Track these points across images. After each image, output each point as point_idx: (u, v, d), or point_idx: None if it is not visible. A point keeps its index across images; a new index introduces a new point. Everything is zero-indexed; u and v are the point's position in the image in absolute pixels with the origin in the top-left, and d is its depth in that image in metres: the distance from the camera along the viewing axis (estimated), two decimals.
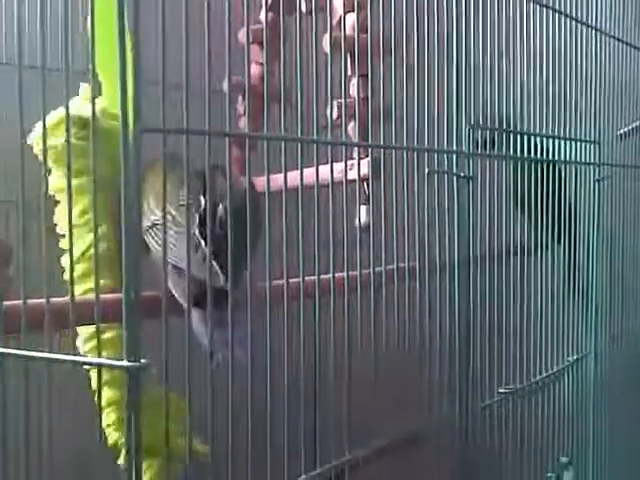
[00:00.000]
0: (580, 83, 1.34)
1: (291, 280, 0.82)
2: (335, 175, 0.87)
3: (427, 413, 1.02)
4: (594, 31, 1.36)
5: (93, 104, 0.64)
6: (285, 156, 0.79)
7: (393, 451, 0.97)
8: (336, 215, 0.87)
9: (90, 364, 0.66)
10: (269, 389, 0.77)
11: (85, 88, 0.90)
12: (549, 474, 1.24)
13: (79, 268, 0.91)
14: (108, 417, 0.98)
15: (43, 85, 0.66)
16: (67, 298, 0.68)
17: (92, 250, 0.90)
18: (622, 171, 1.50)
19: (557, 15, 1.25)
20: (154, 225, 0.86)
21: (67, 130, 0.68)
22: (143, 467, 0.92)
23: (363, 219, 1.07)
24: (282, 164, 0.79)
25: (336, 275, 0.88)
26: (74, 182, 0.85)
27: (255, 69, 1.26)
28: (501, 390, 1.15)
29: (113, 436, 0.98)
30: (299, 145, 0.81)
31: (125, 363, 0.60)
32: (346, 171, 0.88)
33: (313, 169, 0.83)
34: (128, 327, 0.60)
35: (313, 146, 0.83)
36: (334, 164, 0.87)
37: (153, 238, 0.85)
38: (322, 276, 0.85)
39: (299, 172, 0.81)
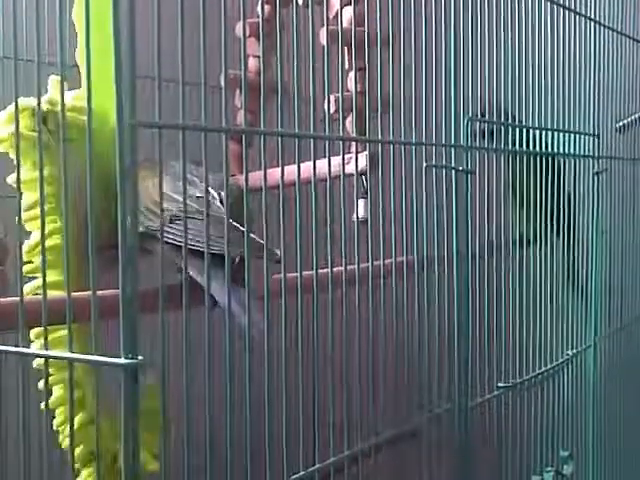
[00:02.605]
0: (578, 75, 1.33)
1: (289, 275, 0.81)
2: (333, 169, 0.86)
3: (426, 408, 1.02)
4: (593, 23, 1.35)
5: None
6: (282, 151, 0.78)
7: (392, 446, 0.97)
8: (334, 209, 0.86)
9: (86, 361, 0.65)
10: (267, 382, 0.77)
11: (54, 81, 0.89)
12: (549, 468, 1.24)
13: (31, 262, 0.90)
14: (58, 418, 0.96)
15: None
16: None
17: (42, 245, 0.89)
18: (620, 164, 1.50)
19: (555, 7, 1.24)
20: (174, 219, 0.86)
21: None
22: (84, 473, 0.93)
23: (361, 213, 1.06)
24: (279, 159, 0.79)
25: (334, 269, 0.87)
26: (33, 174, 0.85)
27: (252, 63, 1.26)
28: (500, 385, 1.14)
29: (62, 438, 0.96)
30: (296, 140, 0.81)
31: (122, 361, 0.60)
32: (344, 165, 0.88)
33: (311, 163, 0.83)
34: (125, 324, 0.59)
35: (310, 140, 0.83)
36: (332, 158, 0.86)
37: (172, 231, 0.85)
38: (320, 271, 0.85)
39: (296, 167, 0.81)
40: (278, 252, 0.81)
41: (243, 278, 0.78)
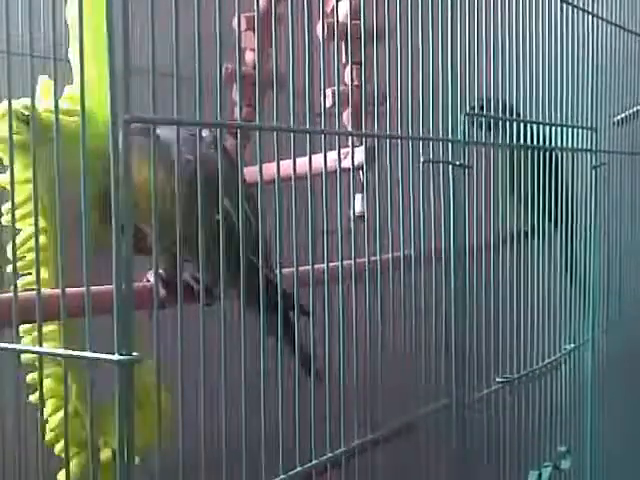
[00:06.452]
0: (576, 69, 1.33)
1: (285, 270, 0.81)
2: (329, 164, 0.86)
3: (424, 403, 1.02)
4: (591, 16, 1.35)
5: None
6: (278, 146, 0.78)
7: (390, 441, 0.96)
8: (330, 204, 0.86)
9: (81, 358, 0.64)
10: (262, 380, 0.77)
11: (44, 81, 0.90)
12: (547, 463, 1.24)
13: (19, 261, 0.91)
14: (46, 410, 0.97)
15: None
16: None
17: (28, 243, 0.91)
18: (618, 158, 1.49)
19: (554, 1, 1.24)
20: None
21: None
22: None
23: (358, 208, 1.06)
24: (275, 153, 0.78)
25: (331, 264, 0.87)
26: (20, 175, 0.85)
27: (249, 57, 1.25)
28: (498, 379, 1.14)
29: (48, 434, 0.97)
30: (292, 134, 0.80)
31: (116, 357, 0.59)
32: (340, 160, 0.87)
33: (307, 158, 0.82)
34: (119, 320, 0.59)
35: (307, 135, 0.82)
36: (329, 153, 0.86)
37: None
38: (317, 265, 0.85)
39: (292, 162, 0.80)
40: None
41: None
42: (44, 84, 0.89)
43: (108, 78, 0.57)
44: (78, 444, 0.94)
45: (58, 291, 0.67)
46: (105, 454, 0.94)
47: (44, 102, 0.86)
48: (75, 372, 0.90)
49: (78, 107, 0.61)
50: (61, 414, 0.94)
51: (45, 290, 0.85)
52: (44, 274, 0.91)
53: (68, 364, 0.84)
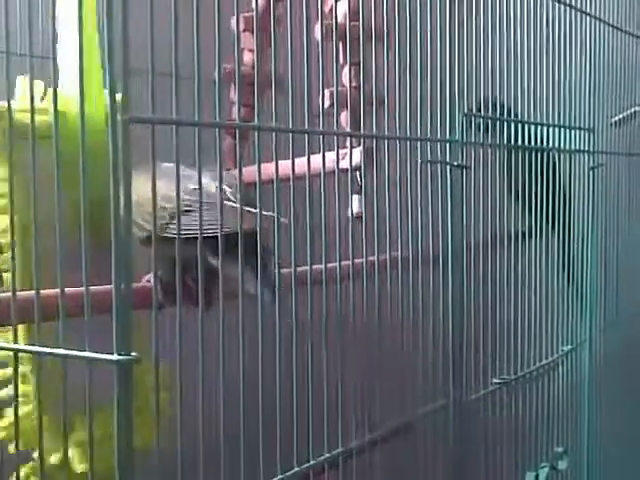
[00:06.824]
0: (574, 70, 1.33)
1: (284, 270, 0.81)
2: (327, 165, 0.86)
3: (422, 403, 1.02)
4: (588, 18, 1.35)
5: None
6: (277, 146, 0.78)
7: (388, 441, 0.97)
8: (328, 205, 0.86)
9: (79, 358, 0.64)
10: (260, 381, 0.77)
11: (22, 81, 0.88)
12: (544, 463, 1.24)
13: None
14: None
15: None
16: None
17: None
18: (616, 159, 1.49)
19: (551, 2, 1.24)
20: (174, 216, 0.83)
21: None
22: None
23: (355, 209, 1.06)
24: (273, 154, 0.78)
25: (328, 265, 0.87)
26: None
27: (248, 57, 1.25)
28: (495, 380, 1.14)
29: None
30: (291, 135, 0.80)
31: (115, 357, 0.59)
32: (338, 160, 0.87)
33: (305, 158, 0.82)
34: (118, 320, 0.59)
35: (305, 135, 0.82)
36: (327, 153, 0.86)
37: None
38: (315, 266, 0.85)
39: (291, 162, 0.80)
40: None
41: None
42: (21, 83, 0.87)
43: (107, 77, 0.57)
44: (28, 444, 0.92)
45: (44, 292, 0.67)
46: (56, 457, 0.91)
47: (18, 102, 0.85)
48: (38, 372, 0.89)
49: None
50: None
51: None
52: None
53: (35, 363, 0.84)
